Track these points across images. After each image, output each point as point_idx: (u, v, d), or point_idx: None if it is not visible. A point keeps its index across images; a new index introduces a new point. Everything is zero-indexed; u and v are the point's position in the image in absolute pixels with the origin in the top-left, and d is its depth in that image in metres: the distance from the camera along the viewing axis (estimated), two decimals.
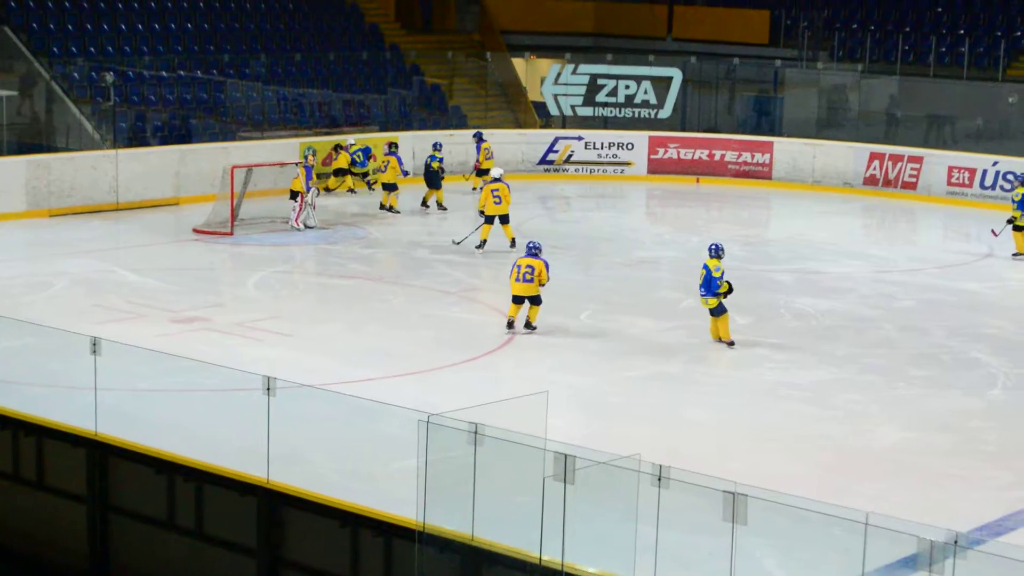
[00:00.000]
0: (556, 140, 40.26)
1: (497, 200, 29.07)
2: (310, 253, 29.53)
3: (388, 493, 15.12)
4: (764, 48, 47.43)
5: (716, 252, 22.43)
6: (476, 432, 13.37)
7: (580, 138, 40.30)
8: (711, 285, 22.10)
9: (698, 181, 39.84)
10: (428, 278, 26.85)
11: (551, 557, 12.89)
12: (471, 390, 19.13)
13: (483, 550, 13.58)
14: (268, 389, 15.34)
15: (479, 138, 36.61)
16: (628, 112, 42.06)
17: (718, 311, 22.27)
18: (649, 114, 41.97)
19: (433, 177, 34.38)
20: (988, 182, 37.11)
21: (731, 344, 22.23)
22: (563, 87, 41.80)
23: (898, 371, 21.36)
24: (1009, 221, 30.19)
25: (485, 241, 29.18)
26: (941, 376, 21.36)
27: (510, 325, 22.84)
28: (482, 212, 29.43)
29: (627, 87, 41.98)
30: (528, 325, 22.83)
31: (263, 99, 38.70)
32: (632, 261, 29.11)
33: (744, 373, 21.04)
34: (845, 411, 19.51)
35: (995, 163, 37.38)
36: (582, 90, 41.85)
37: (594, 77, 41.94)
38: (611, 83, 41.98)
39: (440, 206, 34.35)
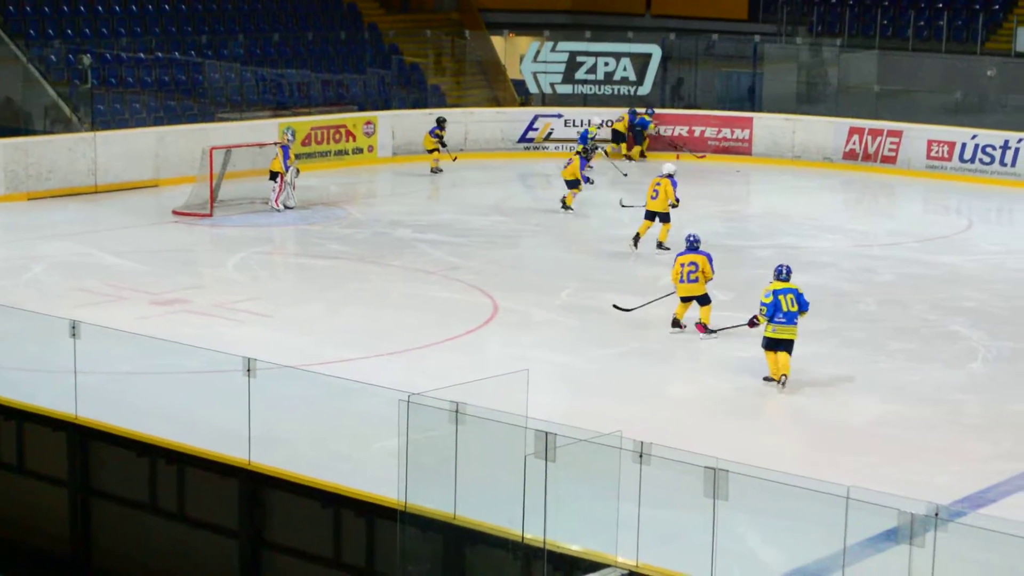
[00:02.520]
0: (536, 118, 40.19)
1: (654, 195, 27.52)
2: (290, 234, 29.46)
3: (370, 473, 15.10)
4: (743, 24, 47.44)
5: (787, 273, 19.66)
6: (457, 411, 13.36)
7: (560, 116, 40.24)
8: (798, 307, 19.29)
9: (678, 157, 39.78)
10: (409, 258, 26.82)
11: (533, 535, 12.89)
12: (452, 369, 19.13)
13: (465, 529, 13.58)
14: (249, 370, 15.32)
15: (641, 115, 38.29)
16: (607, 89, 42.00)
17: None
18: (628, 91, 41.90)
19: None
20: (967, 155, 37.16)
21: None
22: (542, 65, 41.71)
23: (878, 345, 21.40)
24: None
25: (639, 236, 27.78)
26: (921, 349, 21.40)
27: (675, 324, 21.57)
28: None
29: (606, 64, 41.91)
30: (705, 328, 21.32)
31: (241, 80, 38.58)
32: (612, 238, 29.07)
33: (725, 349, 21.04)
34: (826, 385, 19.52)
35: (974, 136, 37.42)
36: (561, 68, 41.77)
37: (573, 54, 41.86)
38: (590, 60, 41.90)
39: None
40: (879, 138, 38.57)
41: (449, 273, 25.54)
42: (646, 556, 12.51)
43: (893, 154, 38.37)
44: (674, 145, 39.23)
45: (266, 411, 15.59)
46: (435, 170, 35.82)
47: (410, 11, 47.22)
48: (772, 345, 19.15)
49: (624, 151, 39.42)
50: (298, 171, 31.40)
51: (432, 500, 13.65)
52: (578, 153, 32.17)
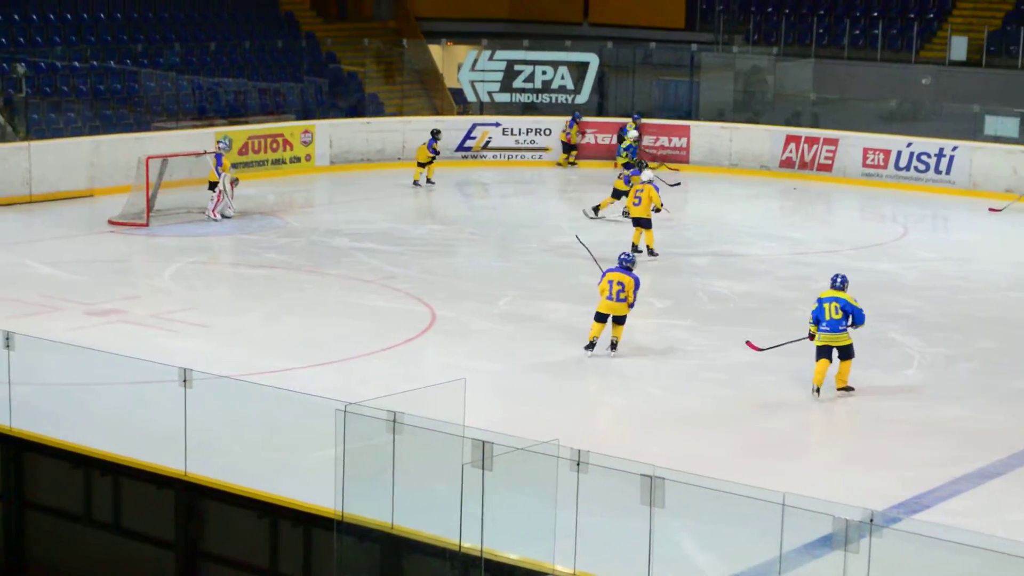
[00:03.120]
0: (473, 126, 40.21)
1: (636, 201, 27.94)
2: (227, 243, 29.34)
3: (307, 483, 15.04)
4: (680, 32, 47.64)
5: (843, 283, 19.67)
6: (395, 420, 13.33)
7: (497, 124, 40.28)
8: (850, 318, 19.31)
9: (616, 165, 39.85)
10: (347, 266, 26.75)
11: (471, 544, 12.87)
12: (390, 378, 19.09)
13: (402, 538, 13.55)
14: (185, 381, 15.23)
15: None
16: (545, 98, 42.07)
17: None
18: (566, 99, 41.99)
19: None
20: (903, 163, 37.43)
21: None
22: (480, 73, 41.74)
23: (814, 353, 21.47)
24: None
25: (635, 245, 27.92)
26: (857, 356, 21.46)
27: (591, 347, 20.85)
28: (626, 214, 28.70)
29: (544, 73, 41.98)
30: (612, 344, 20.86)
31: (178, 89, 38.41)
32: (551, 247, 29.11)
33: (662, 356, 21.11)
34: (762, 393, 19.61)
35: (909, 144, 37.71)
36: (499, 76, 41.81)
37: (511, 63, 41.91)
38: (528, 69, 41.96)
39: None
40: (815, 146, 38.80)
41: (387, 282, 25.50)
42: (583, 564, 12.51)
43: (829, 162, 38.62)
44: (655, 158, 39.27)
45: (203, 421, 15.50)
46: (429, 181, 35.68)
47: (348, 20, 47.19)
48: (819, 353, 19.31)
49: (571, 159, 39.62)
50: (237, 180, 31.29)
51: (369, 509, 13.61)
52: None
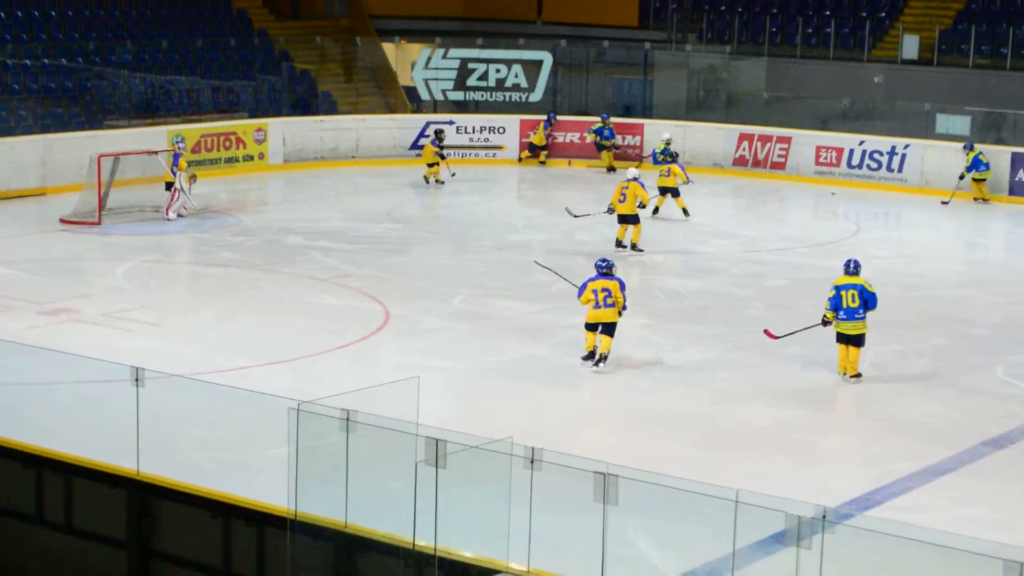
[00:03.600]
0: (427, 125, 40.11)
1: (622, 199, 27.95)
2: (180, 241, 29.20)
3: (260, 482, 15.00)
4: (633, 31, 47.70)
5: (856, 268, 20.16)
6: (348, 419, 13.31)
7: (451, 122, 40.22)
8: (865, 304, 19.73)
9: (570, 163, 39.94)
10: (300, 265, 26.68)
11: (425, 542, 12.87)
12: (344, 377, 19.03)
13: (356, 536, 13.53)
14: (137, 380, 15.17)
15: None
16: (499, 96, 42.06)
17: None
18: (520, 97, 42.00)
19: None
20: (855, 161, 37.59)
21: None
22: (433, 71, 41.70)
23: (768, 349, 21.55)
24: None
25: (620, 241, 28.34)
26: (810, 354, 21.57)
27: (591, 357, 20.24)
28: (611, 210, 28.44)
29: (498, 71, 41.97)
30: (601, 357, 20.15)
31: (130, 87, 38.21)
32: (505, 245, 29.12)
33: (617, 354, 21.11)
34: (717, 390, 19.66)
35: (861, 142, 37.88)
36: (453, 74, 41.79)
37: (464, 61, 41.88)
38: (482, 67, 41.95)
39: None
40: (768, 144, 38.93)
41: (341, 280, 25.45)
42: (537, 562, 12.53)
43: (782, 160, 38.75)
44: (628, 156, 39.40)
45: (155, 421, 15.46)
46: (438, 182, 35.68)
47: (300, 18, 47.02)
48: (839, 339, 19.83)
49: (541, 159, 39.64)
50: (195, 177, 31.17)
51: (323, 508, 13.59)
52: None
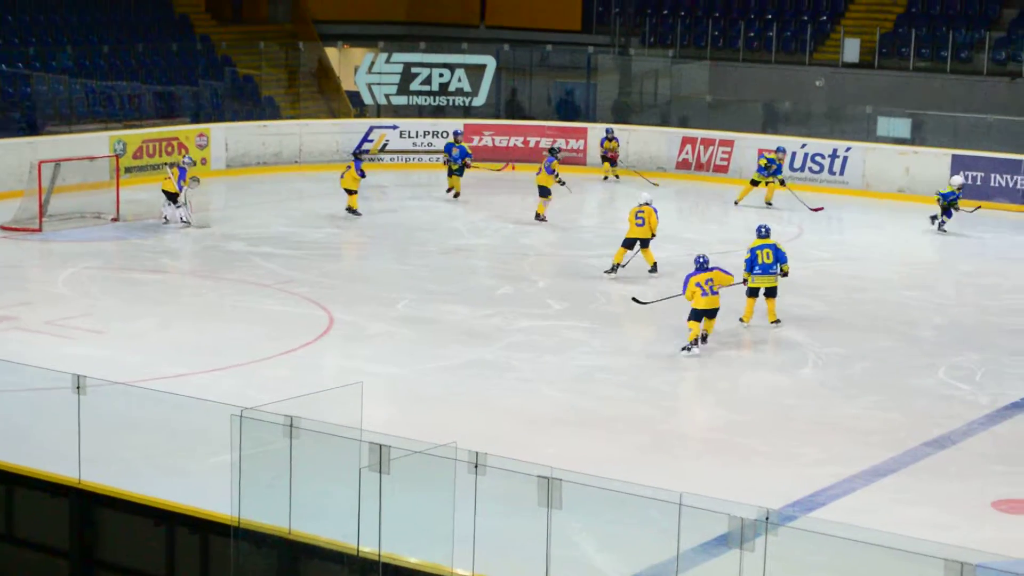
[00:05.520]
0: (371, 129, 40.11)
1: (639, 222, 26.67)
2: (122, 248, 29.04)
3: (204, 489, 14.93)
4: (577, 35, 47.81)
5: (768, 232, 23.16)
6: (292, 425, 13.26)
7: (395, 127, 40.20)
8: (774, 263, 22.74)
9: (513, 168, 39.94)
10: (243, 271, 26.59)
11: (369, 548, 12.83)
12: (287, 383, 18.98)
13: (300, 543, 13.47)
14: (79, 388, 15.06)
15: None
16: (443, 100, 42.05)
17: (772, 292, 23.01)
18: (464, 102, 42.01)
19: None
20: (797, 164, 37.79)
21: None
22: (377, 76, 41.62)
23: (711, 351, 21.64)
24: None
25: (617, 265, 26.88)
26: (753, 355, 21.71)
27: (695, 344, 21.41)
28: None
29: (441, 75, 41.96)
30: (704, 337, 21.77)
31: (71, 92, 37.96)
32: (448, 249, 29.11)
33: (561, 358, 21.15)
34: (660, 393, 19.73)
35: (803, 145, 38.10)
36: (396, 79, 41.71)
37: (408, 65, 41.83)
38: (425, 71, 41.91)
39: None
40: (711, 147, 39.10)
41: (284, 286, 25.37)
42: (482, 566, 12.51)
43: (725, 163, 38.93)
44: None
45: (97, 429, 15.33)
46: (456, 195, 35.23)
47: (243, 22, 46.87)
48: (749, 292, 22.76)
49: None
50: (198, 180, 31.10)
51: (267, 515, 13.53)
52: (550, 154, 32.32)
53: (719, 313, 21.89)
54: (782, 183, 33.83)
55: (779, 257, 22.73)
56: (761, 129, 40.07)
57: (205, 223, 30.75)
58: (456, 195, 34.95)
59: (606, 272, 26.54)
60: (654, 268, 26.69)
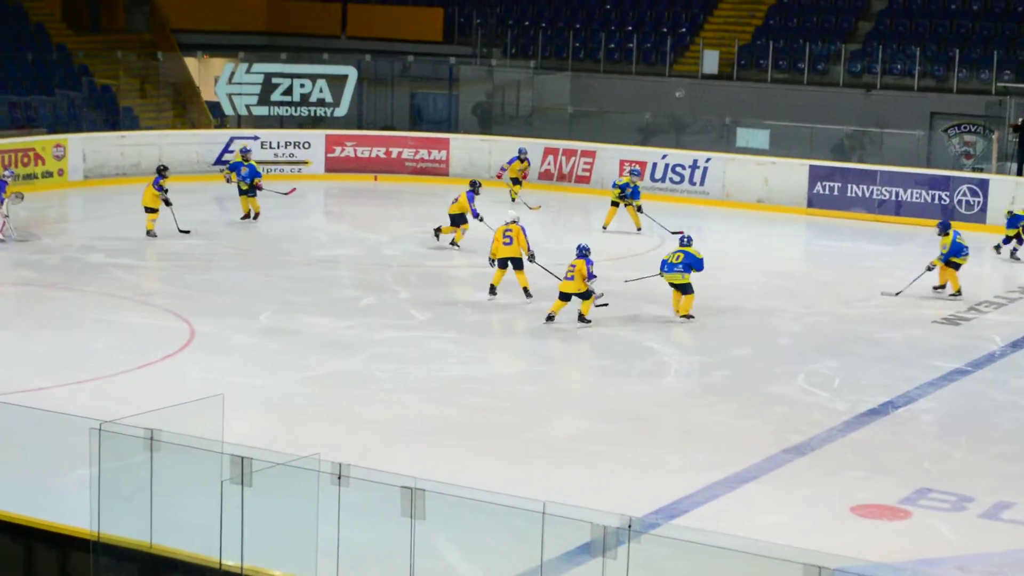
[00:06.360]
0: (231, 140, 39.78)
1: (507, 241, 25.66)
2: None
3: (63, 505, 14.71)
4: (438, 45, 47.86)
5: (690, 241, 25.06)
6: (152, 438, 13.11)
7: (256, 138, 39.92)
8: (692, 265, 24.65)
9: (376, 179, 39.91)
10: (102, 283, 26.27)
11: (232, 561, 12.72)
12: (148, 396, 18.77)
13: (162, 557, 13.31)
14: None
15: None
16: (304, 111, 41.86)
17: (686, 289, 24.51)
18: (325, 112, 41.85)
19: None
20: (658, 175, 38.11)
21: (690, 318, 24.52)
22: (237, 86, 41.30)
23: (575, 361, 21.76)
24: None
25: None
26: (616, 365, 21.82)
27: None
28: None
29: (302, 86, 41.74)
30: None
31: None
32: (311, 260, 28.98)
33: (424, 369, 21.14)
34: (524, 402, 19.77)
35: (664, 156, 38.44)
36: (257, 89, 41.42)
37: (268, 76, 41.55)
38: (286, 82, 41.67)
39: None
40: (573, 158, 39.31)
41: (144, 298, 25.11)
42: None
43: (587, 174, 39.16)
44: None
45: None
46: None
47: (100, 32, 46.33)
48: (672, 287, 24.76)
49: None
50: (21, 196, 30.42)
51: (127, 529, 13.36)
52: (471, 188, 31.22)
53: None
54: (639, 209, 33.32)
55: (693, 263, 24.57)
56: (623, 140, 40.29)
57: (25, 237, 30.09)
58: (256, 216, 33.28)
59: (489, 296, 25.59)
60: (527, 292, 25.59)
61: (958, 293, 26.87)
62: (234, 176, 33.20)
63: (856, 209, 36.11)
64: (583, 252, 23.81)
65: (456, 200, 30.52)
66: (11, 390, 18.49)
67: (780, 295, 27.28)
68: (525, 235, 25.69)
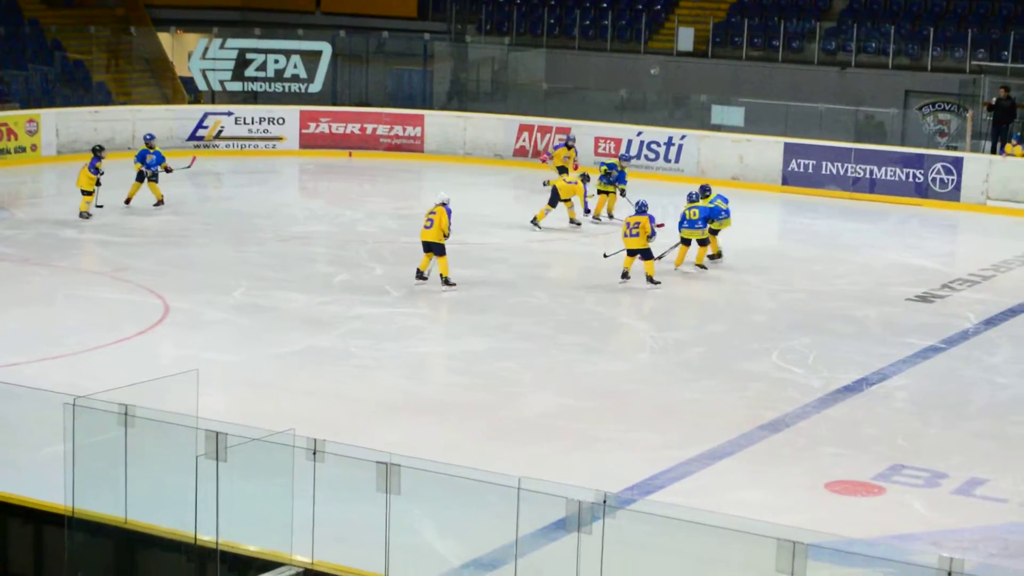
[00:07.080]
0: (205, 116, 39.66)
1: (428, 224, 24.26)
2: None
3: (37, 480, 14.68)
4: (413, 22, 47.73)
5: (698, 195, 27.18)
6: (126, 414, 13.08)
7: (230, 113, 39.80)
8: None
9: (351, 155, 39.82)
10: (76, 258, 26.21)
11: (207, 536, 12.71)
12: (122, 371, 18.69)
13: (136, 532, 13.30)
14: None
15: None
16: (278, 87, 41.73)
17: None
18: (300, 88, 41.72)
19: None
20: (633, 151, 38.06)
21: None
22: (211, 62, 41.15)
23: (550, 338, 21.75)
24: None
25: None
26: (591, 342, 21.82)
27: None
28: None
29: (276, 61, 41.62)
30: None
31: None
32: (286, 236, 28.91)
33: (398, 345, 21.12)
34: (499, 379, 19.77)
35: (639, 133, 38.43)
36: (231, 65, 41.28)
37: (243, 51, 41.42)
38: (260, 57, 41.55)
39: None
40: (548, 135, 39.25)
41: (118, 274, 25.02)
42: (321, 554, 12.45)
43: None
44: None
45: None
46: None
47: (73, 6, 46.01)
48: (681, 241, 26.67)
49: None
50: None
51: (102, 504, 13.33)
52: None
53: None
54: (622, 193, 32.36)
55: (714, 214, 26.76)
56: (598, 117, 40.24)
57: None
58: (160, 202, 31.27)
59: (416, 281, 24.55)
60: (446, 281, 24.30)
61: (718, 256, 27.63)
62: (138, 166, 31.25)
63: (830, 186, 36.15)
64: (643, 208, 25.27)
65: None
66: None
67: (755, 272, 27.30)
68: (449, 217, 24.10)
